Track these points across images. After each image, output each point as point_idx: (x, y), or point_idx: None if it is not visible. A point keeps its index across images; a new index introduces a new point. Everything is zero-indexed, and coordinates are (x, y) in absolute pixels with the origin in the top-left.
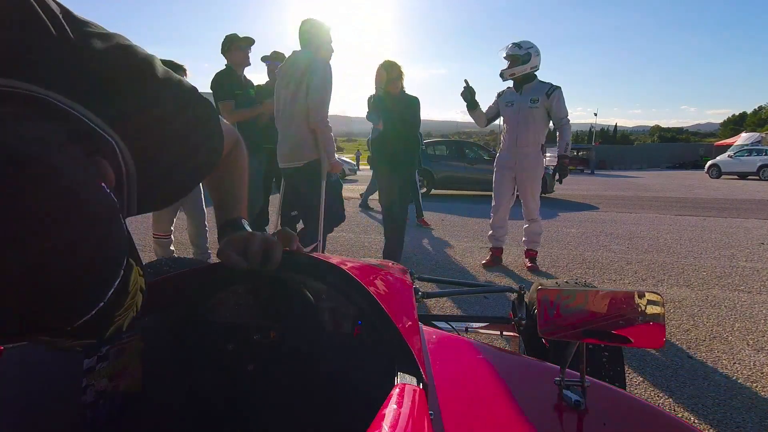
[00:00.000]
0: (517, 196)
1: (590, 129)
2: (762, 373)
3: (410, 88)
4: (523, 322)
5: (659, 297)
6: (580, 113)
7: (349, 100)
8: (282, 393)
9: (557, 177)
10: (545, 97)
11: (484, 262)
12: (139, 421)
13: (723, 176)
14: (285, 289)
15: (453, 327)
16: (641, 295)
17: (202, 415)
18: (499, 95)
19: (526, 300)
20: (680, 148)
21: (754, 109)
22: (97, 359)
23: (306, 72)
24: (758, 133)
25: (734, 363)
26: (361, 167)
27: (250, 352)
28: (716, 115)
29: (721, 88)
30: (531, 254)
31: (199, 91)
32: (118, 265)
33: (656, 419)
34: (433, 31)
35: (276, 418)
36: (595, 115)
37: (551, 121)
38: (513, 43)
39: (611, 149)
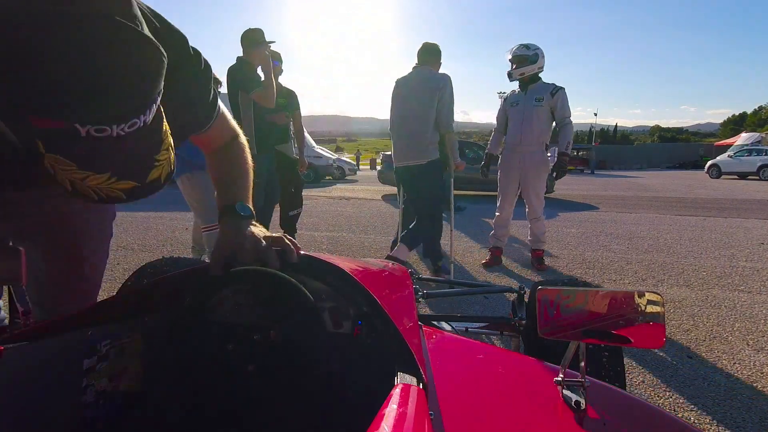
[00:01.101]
0: (519, 195)
1: (590, 129)
2: (762, 373)
3: None
4: (523, 322)
5: (659, 297)
6: (580, 113)
7: (350, 99)
8: (282, 393)
9: (554, 174)
10: (549, 97)
11: (484, 261)
12: (139, 421)
13: (723, 176)
14: (285, 289)
15: (453, 327)
16: (641, 295)
17: (201, 416)
18: (505, 99)
19: (525, 300)
20: (680, 148)
21: (754, 109)
22: (97, 359)
23: (438, 88)
24: (758, 133)
25: (734, 363)
26: (361, 167)
27: (250, 352)
28: (716, 115)
29: (721, 88)
30: (537, 254)
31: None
32: (158, 74)
33: (656, 419)
34: (434, 31)
35: (276, 419)
36: (595, 115)
37: (554, 122)
38: (521, 44)
39: (611, 149)
